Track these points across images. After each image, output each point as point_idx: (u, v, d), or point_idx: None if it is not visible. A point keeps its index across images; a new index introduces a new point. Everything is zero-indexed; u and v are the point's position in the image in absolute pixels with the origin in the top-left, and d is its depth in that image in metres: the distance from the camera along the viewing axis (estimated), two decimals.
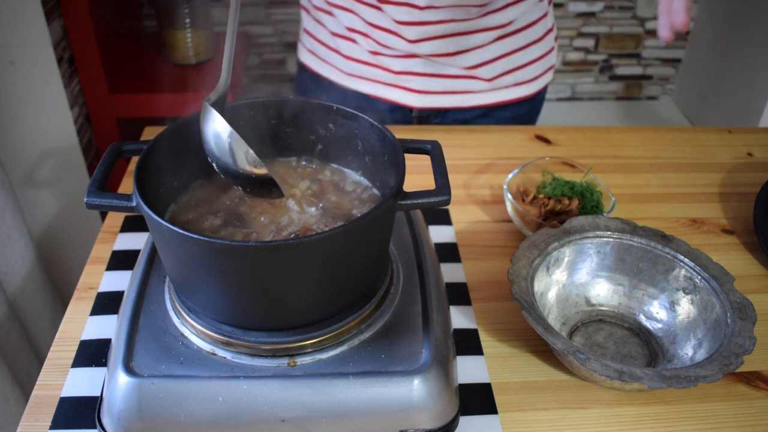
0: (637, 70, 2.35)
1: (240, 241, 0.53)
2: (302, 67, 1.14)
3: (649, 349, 0.68)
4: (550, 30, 1.07)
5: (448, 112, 1.09)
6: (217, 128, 0.55)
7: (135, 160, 0.89)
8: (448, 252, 0.80)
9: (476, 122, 1.10)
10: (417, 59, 1.00)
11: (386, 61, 1.01)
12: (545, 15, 1.05)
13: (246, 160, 0.55)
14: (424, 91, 1.04)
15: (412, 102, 1.05)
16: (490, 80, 1.04)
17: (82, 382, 0.62)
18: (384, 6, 0.94)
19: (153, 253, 0.66)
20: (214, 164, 0.57)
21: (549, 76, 1.11)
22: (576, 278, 0.72)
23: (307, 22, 1.09)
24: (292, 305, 0.55)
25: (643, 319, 0.71)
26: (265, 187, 0.57)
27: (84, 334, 0.67)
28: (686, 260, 0.69)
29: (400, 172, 0.56)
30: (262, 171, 0.56)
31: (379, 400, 0.55)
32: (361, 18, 0.98)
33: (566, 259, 0.71)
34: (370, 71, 1.03)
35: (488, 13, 0.96)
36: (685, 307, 0.68)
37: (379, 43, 0.99)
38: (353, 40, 1.02)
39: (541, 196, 0.82)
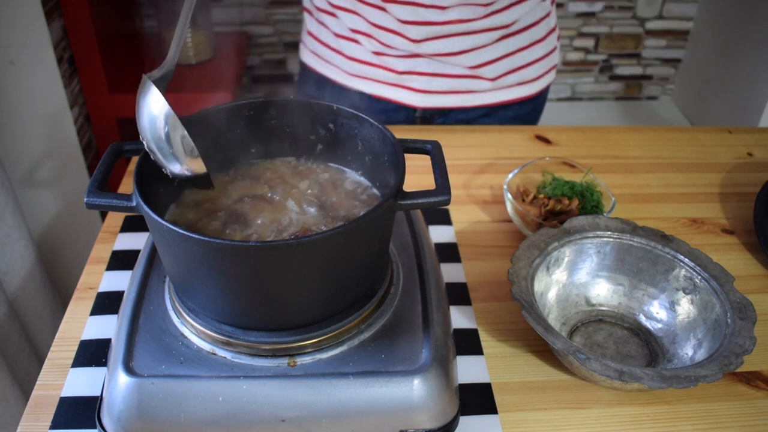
0: (637, 70, 2.35)
1: (240, 241, 0.53)
2: (305, 69, 1.14)
3: (649, 349, 0.68)
4: (553, 30, 1.07)
5: (452, 111, 1.09)
6: (154, 105, 0.53)
7: (135, 160, 0.89)
8: (448, 252, 0.80)
9: (479, 122, 1.10)
10: (420, 59, 1.00)
11: (390, 62, 1.01)
12: (548, 15, 1.05)
13: (182, 146, 0.53)
14: (428, 91, 1.04)
15: (415, 102, 1.05)
16: (493, 80, 1.04)
17: (82, 382, 0.62)
18: (388, 5, 0.95)
19: (153, 253, 0.66)
20: (144, 143, 0.55)
21: (552, 76, 1.11)
22: (576, 278, 0.72)
23: (310, 23, 1.09)
24: (292, 305, 0.55)
25: (643, 319, 0.71)
26: (197, 178, 0.56)
27: (84, 334, 0.67)
28: (686, 260, 0.69)
29: (400, 172, 0.56)
30: (196, 161, 0.54)
31: (379, 400, 0.55)
32: (364, 19, 0.98)
33: (566, 259, 0.71)
34: (374, 72, 1.03)
35: (492, 12, 0.96)
36: (685, 307, 0.68)
37: (382, 44, 0.99)
38: (356, 41, 1.02)
39: (541, 196, 0.82)
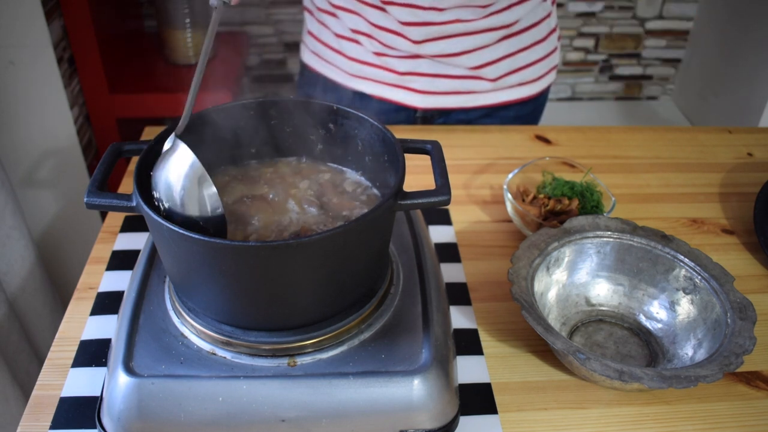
0: (637, 70, 2.35)
1: (240, 241, 0.53)
2: (305, 69, 1.13)
3: (649, 349, 0.68)
4: (554, 30, 1.07)
5: (453, 112, 1.09)
6: (183, 163, 0.52)
7: (135, 160, 0.89)
8: (448, 252, 0.80)
9: (480, 122, 1.10)
10: (421, 60, 1.00)
11: (391, 62, 1.01)
12: (549, 15, 1.05)
13: (208, 204, 0.53)
14: (429, 92, 1.04)
15: (416, 103, 1.05)
16: (494, 80, 1.04)
17: (82, 382, 0.62)
18: (388, 7, 0.94)
19: (153, 253, 0.66)
20: (162, 204, 0.53)
21: (552, 76, 1.11)
22: (576, 278, 0.72)
23: (310, 24, 1.09)
24: (292, 305, 0.55)
25: (643, 319, 0.71)
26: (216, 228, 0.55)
27: (84, 334, 0.67)
28: (686, 260, 0.69)
29: (400, 172, 0.56)
30: (218, 218, 0.54)
31: (379, 400, 0.55)
32: (365, 19, 0.98)
33: (566, 259, 0.71)
34: (375, 72, 1.03)
35: (493, 13, 0.96)
36: (685, 307, 0.68)
37: (383, 44, 0.99)
38: (357, 42, 1.02)
39: (541, 196, 0.82)
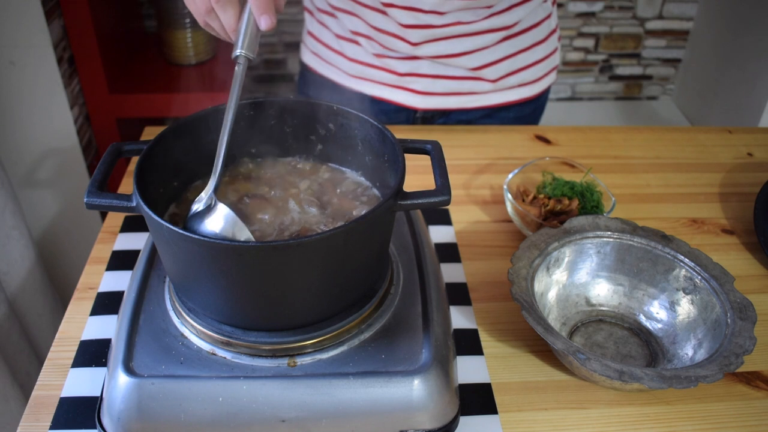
0: (637, 70, 2.35)
1: (240, 241, 0.53)
2: (305, 69, 1.13)
3: (649, 349, 0.68)
4: (554, 31, 1.07)
5: (453, 113, 1.09)
6: (226, 222, 0.55)
7: (135, 160, 0.89)
8: (448, 252, 0.80)
9: (480, 123, 1.10)
10: (422, 61, 1.00)
11: (391, 63, 1.01)
12: (549, 16, 1.05)
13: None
14: (429, 93, 1.04)
15: (416, 104, 1.04)
16: (494, 81, 1.04)
17: (82, 382, 0.62)
18: (389, 9, 0.94)
19: (153, 253, 0.66)
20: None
21: (553, 77, 1.11)
22: (576, 278, 0.72)
23: (310, 24, 1.09)
24: (292, 305, 0.55)
25: (643, 319, 0.71)
26: None
27: (84, 334, 0.67)
28: (686, 260, 0.69)
29: (400, 172, 0.56)
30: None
31: (379, 400, 0.55)
32: (364, 21, 0.98)
33: (566, 259, 0.71)
34: (375, 73, 1.03)
35: (493, 14, 0.96)
36: (685, 307, 0.68)
37: (383, 46, 0.99)
38: (357, 43, 1.02)
39: (541, 196, 0.82)
